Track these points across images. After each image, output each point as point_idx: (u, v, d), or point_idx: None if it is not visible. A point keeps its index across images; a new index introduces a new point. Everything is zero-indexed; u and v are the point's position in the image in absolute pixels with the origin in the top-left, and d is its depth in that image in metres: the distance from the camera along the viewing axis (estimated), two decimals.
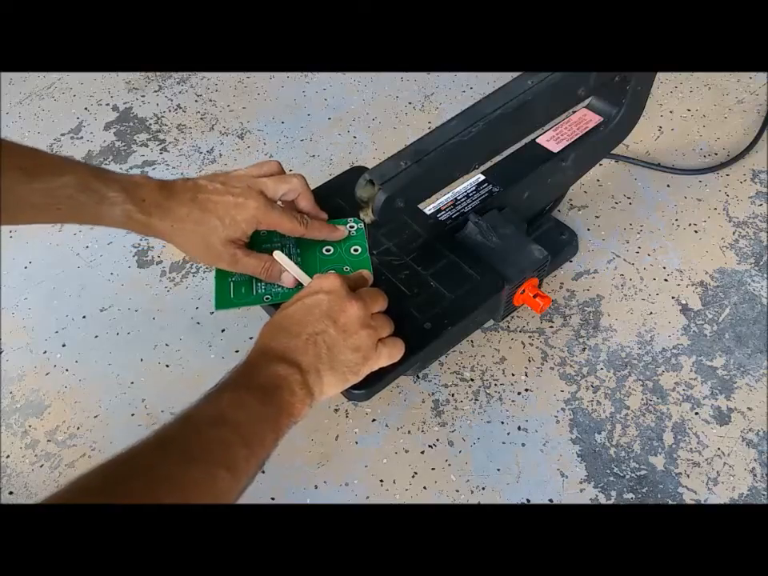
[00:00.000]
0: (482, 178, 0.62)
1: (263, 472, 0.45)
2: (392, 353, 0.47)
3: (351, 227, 0.57)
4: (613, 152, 0.73)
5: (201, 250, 0.50)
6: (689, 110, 0.84)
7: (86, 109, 0.89)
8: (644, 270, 0.68)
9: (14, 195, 0.44)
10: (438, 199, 0.61)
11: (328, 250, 0.55)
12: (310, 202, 0.54)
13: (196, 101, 0.89)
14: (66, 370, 0.63)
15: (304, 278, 0.52)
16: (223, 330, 0.65)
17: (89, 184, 0.46)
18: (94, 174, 0.47)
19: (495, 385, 0.60)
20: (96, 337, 0.65)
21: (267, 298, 0.53)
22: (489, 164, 0.58)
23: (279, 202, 0.53)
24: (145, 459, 0.35)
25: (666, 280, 0.67)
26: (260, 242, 0.55)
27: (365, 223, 0.56)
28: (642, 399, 0.59)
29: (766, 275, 0.67)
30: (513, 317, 0.64)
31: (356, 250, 0.55)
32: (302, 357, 0.43)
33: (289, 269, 0.52)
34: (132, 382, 0.62)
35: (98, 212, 0.46)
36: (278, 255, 0.52)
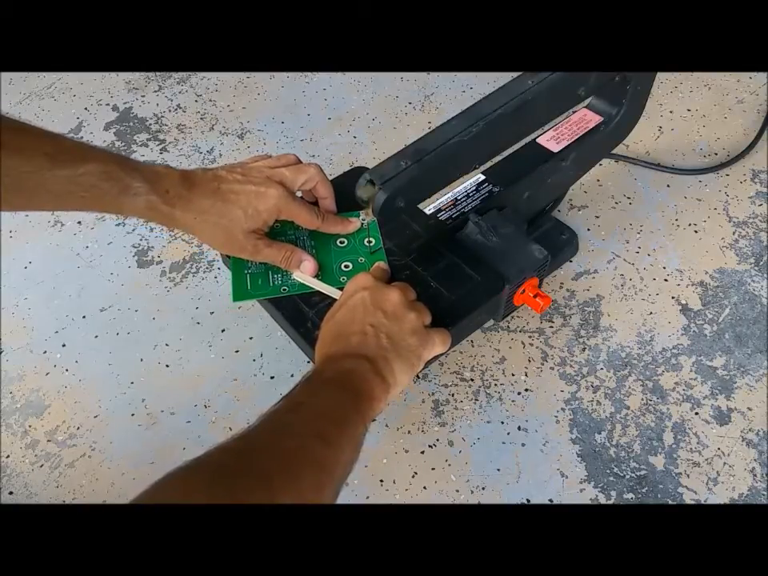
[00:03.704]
0: (482, 177, 0.62)
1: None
2: (443, 338, 0.48)
3: (363, 220, 0.57)
4: (613, 152, 0.73)
5: (222, 241, 0.51)
6: (689, 110, 0.84)
7: (85, 109, 0.89)
8: (644, 270, 0.68)
9: (37, 181, 0.43)
10: (438, 199, 0.61)
11: (342, 242, 0.56)
12: (328, 189, 0.55)
13: (196, 101, 0.89)
14: (66, 370, 0.63)
15: (333, 292, 0.52)
16: (223, 330, 0.65)
17: (112, 173, 0.45)
18: (117, 162, 0.46)
19: (495, 385, 0.60)
20: (96, 337, 0.65)
21: (285, 289, 0.53)
22: (489, 164, 0.58)
23: (299, 193, 0.53)
24: (232, 446, 0.35)
25: (665, 280, 0.67)
26: (274, 233, 0.55)
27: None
28: (642, 399, 0.59)
29: (766, 275, 0.67)
30: (513, 317, 0.64)
31: (369, 242, 0.56)
32: (367, 349, 0.44)
33: (315, 286, 0.52)
34: (132, 382, 0.62)
35: (120, 201, 0.46)
36: (298, 275, 0.53)
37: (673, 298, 0.66)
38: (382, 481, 0.55)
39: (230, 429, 0.58)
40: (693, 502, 0.53)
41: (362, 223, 0.57)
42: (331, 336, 0.46)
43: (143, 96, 0.90)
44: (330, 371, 0.43)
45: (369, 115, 0.86)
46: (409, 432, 0.57)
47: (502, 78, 0.51)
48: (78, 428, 0.59)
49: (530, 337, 0.63)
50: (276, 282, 0.53)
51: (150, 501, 0.30)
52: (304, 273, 0.53)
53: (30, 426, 0.59)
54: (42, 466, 0.57)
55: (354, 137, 0.83)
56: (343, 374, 0.42)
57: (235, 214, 0.49)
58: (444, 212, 0.60)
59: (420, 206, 0.56)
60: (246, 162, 0.54)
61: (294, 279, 0.53)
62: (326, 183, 0.55)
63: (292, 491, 0.33)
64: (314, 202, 0.57)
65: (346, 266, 0.54)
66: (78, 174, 0.44)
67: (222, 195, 0.49)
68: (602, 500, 0.53)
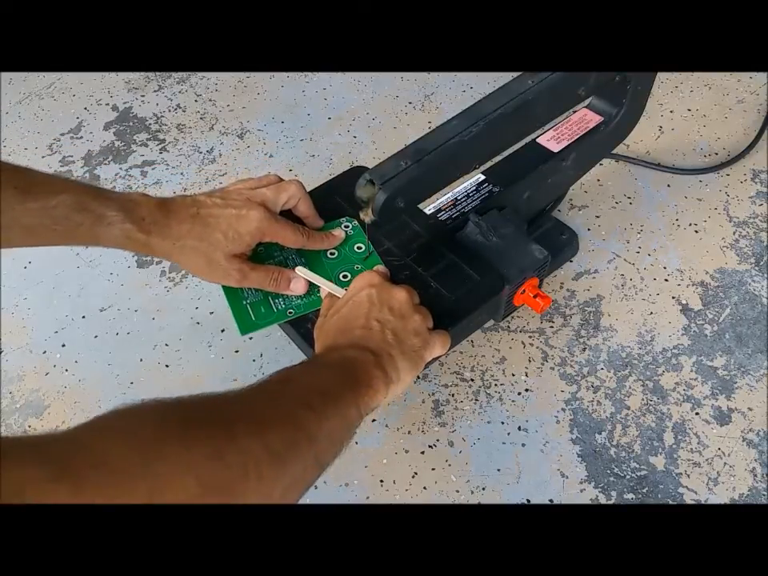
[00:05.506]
0: (483, 177, 0.62)
1: None
2: (443, 341, 0.48)
3: (346, 227, 0.57)
4: (613, 152, 0.73)
5: (205, 267, 0.49)
6: (689, 110, 0.83)
7: (85, 109, 0.89)
8: (644, 270, 0.68)
9: (8, 216, 0.42)
10: (438, 199, 0.61)
11: (332, 254, 0.55)
12: (309, 207, 0.55)
13: (196, 101, 0.89)
14: (66, 370, 0.63)
15: (338, 291, 0.51)
16: (223, 330, 0.65)
17: (85, 203, 0.44)
18: (90, 192, 0.45)
19: (495, 385, 0.60)
20: (96, 337, 0.65)
21: (290, 312, 0.52)
22: (489, 164, 0.58)
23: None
24: (203, 394, 0.34)
25: (666, 280, 0.67)
26: (259, 257, 0.54)
27: (359, 221, 0.56)
28: (643, 399, 0.59)
29: (766, 275, 0.67)
30: (513, 317, 0.64)
31: (359, 248, 0.55)
32: (371, 342, 0.43)
33: (318, 282, 0.52)
34: (132, 382, 0.61)
35: (95, 232, 0.45)
36: (300, 270, 0.52)
37: (673, 298, 0.66)
38: (382, 481, 0.55)
39: None
40: (693, 502, 0.53)
41: (346, 231, 0.56)
42: (335, 329, 0.45)
43: (143, 96, 0.90)
44: (331, 357, 0.42)
45: (369, 115, 0.86)
46: (409, 432, 0.57)
47: (502, 78, 0.51)
48: None
49: (530, 337, 0.63)
50: (280, 307, 0.52)
51: (101, 431, 0.28)
52: (296, 292, 0.52)
53: (29, 426, 0.59)
54: None
55: (354, 137, 0.83)
56: (344, 360, 0.42)
57: (215, 237, 0.48)
58: (444, 212, 0.60)
59: (420, 205, 0.56)
60: (226, 186, 0.53)
61: (297, 300, 0.52)
62: (307, 200, 0.54)
63: (256, 439, 0.32)
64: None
65: (344, 276, 0.54)
66: (50, 205, 0.43)
67: (201, 220, 0.48)
68: (603, 500, 0.53)
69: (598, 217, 0.73)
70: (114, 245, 0.47)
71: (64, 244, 0.46)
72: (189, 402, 0.33)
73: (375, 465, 0.56)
